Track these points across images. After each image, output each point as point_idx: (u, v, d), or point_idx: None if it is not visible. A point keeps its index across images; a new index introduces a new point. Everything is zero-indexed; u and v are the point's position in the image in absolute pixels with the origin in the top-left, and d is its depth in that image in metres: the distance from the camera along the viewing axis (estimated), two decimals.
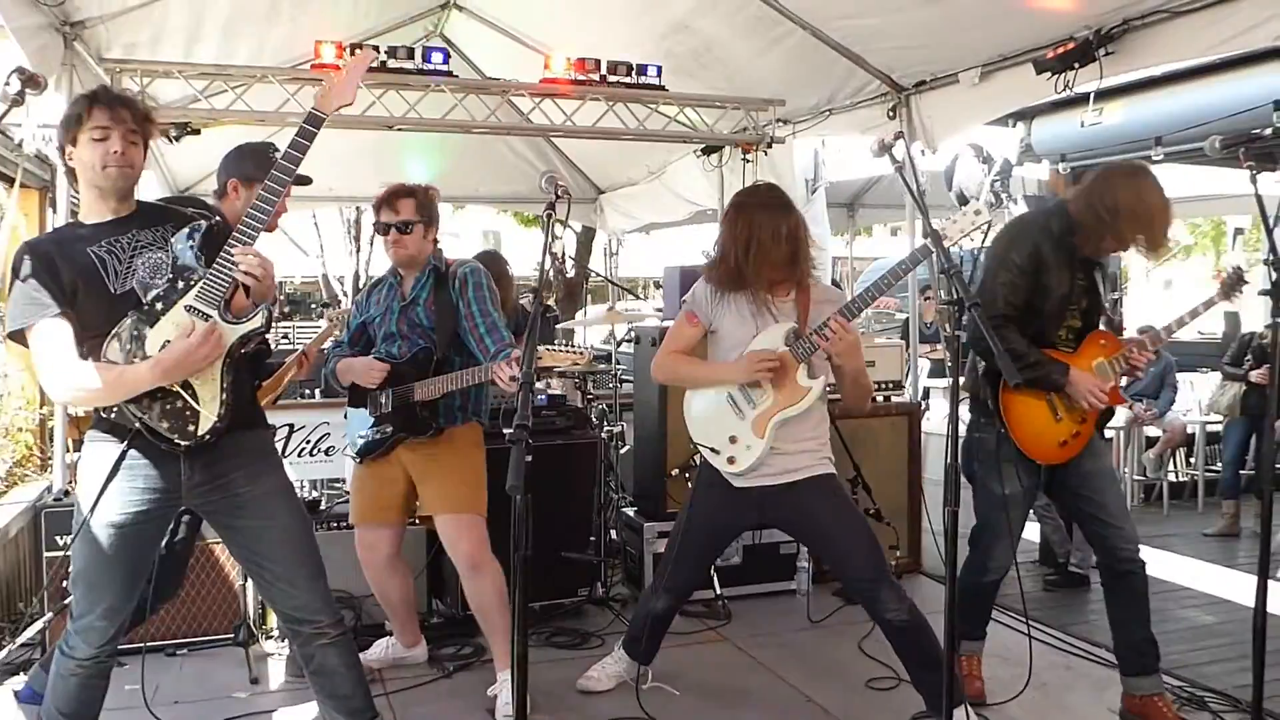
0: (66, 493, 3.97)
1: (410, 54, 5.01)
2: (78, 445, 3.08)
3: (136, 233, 2.52)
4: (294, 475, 5.03)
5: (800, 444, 3.19)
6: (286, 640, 3.84)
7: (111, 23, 4.35)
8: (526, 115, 5.85)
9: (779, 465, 3.17)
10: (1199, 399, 7.78)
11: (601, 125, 5.56)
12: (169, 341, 2.39)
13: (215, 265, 2.42)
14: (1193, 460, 7.58)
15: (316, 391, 5.99)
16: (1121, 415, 6.96)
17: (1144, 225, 3.19)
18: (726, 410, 3.20)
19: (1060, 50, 4.24)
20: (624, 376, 5.80)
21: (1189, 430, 7.46)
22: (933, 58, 5.05)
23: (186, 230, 2.51)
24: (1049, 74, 4.33)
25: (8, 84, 2.49)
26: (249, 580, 4.02)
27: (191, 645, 4.06)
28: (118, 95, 2.53)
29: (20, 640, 3.89)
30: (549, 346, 2.96)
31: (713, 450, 3.22)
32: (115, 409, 2.45)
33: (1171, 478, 7.48)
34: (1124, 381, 3.47)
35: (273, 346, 3.92)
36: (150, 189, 6.01)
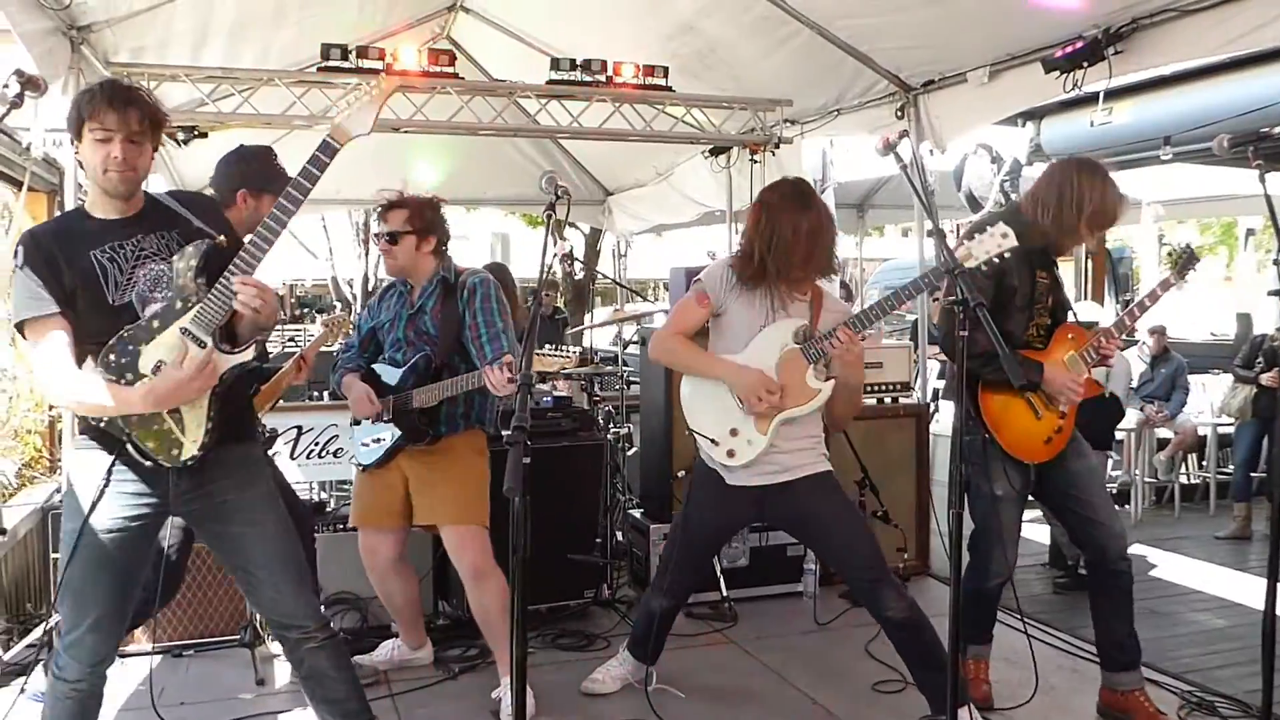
0: None
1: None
2: None
3: (141, 239, 2.47)
4: (302, 477, 5.07)
5: (797, 442, 3.18)
6: None
7: (118, 27, 4.35)
8: (533, 117, 5.84)
9: (777, 463, 3.16)
10: (1210, 401, 7.73)
11: (608, 126, 5.56)
12: (161, 362, 2.37)
13: (214, 291, 2.37)
14: (1204, 463, 7.54)
15: (325, 394, 5.99)
16: (1133, 417, 6.92)
17: (1108, 222, 3.25)
18: (730, 402, 3.17)
19: (1069, 49, 4.22)
20: (631, 378, 5.79)
21: (1200, 432, 7.43)
22: (940, 57, 5.03)
23: (191, 249, 2.44)
24: (1058, 73, 4.31)
25: (7, 86, 2.47)
26: None
27: (198, 647, 4.07)
28: (125, 93, 2.40)
29: (28, 640, 3.91)
30: (538, 351, 2.95)
31: (711, 441, 3.19)
32: (106, 419, 2.44)
33: (1183, 480, 7.45)
34: (1102, 374, 3.45)
35: (274, 350, 3.91)
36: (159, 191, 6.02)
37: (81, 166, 2.49)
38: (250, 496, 2.61)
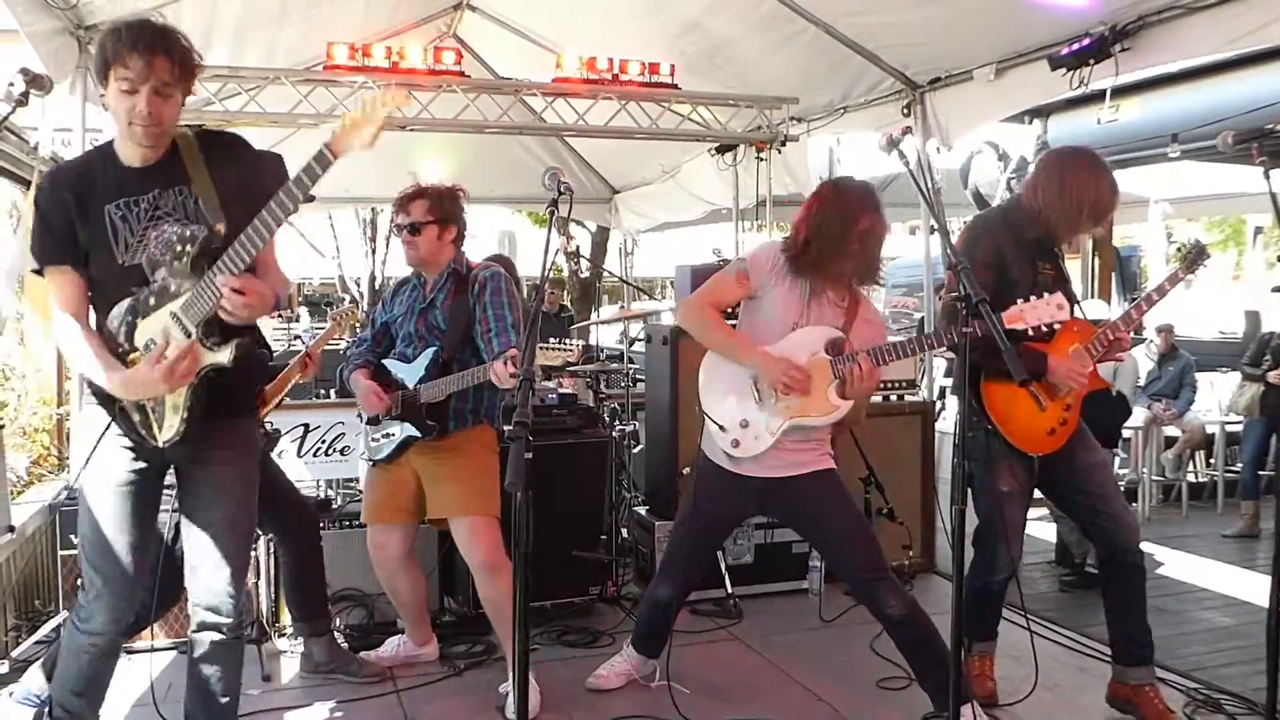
0: None
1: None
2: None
3: (158, 195, 2.39)
4: (309, 475, 5.08)
5: (803, 441, 3.18)
6: (299, 638, 3.87)
7: None
8: (539, 115, 5.85)
9: (782, 459, 3.16)
10: (1218, 399, 7.71)
11: (614, 124, 5.56)
12: (152, 341, 2.39)
13: (202, 285, 2.32)
14: (1212, 461, 7.51)
15: (331, 391, 6.01)
16: (1140, 415, 6.91)
17: (1106, 213, 3.25)
18: (748, 393, 3.16)
19: (1075, 46, 4.22)
20: (637, 376, 5.80)
21: (1208, 431, 7.40)
22: (947, 54, 5.03)
23: (191, 232, 2.34)
24: (1064, 70, 4.31)
25: (12, 85, 2.47)
26: (261, 578, 4.05)
27: None
28: (154, 37, 2.24)
29: (36, 637, 3.93)
30: (541, 345, 2.96)
31: (720, 427, 3.18)
32: None
33: (1190, 478, 7.42)
34: (1109, 371, 3.46)
35: (279, 349, 3.91)
36: None
37: (106, 109, 2.40)
38: (231, 472, 2.59)
